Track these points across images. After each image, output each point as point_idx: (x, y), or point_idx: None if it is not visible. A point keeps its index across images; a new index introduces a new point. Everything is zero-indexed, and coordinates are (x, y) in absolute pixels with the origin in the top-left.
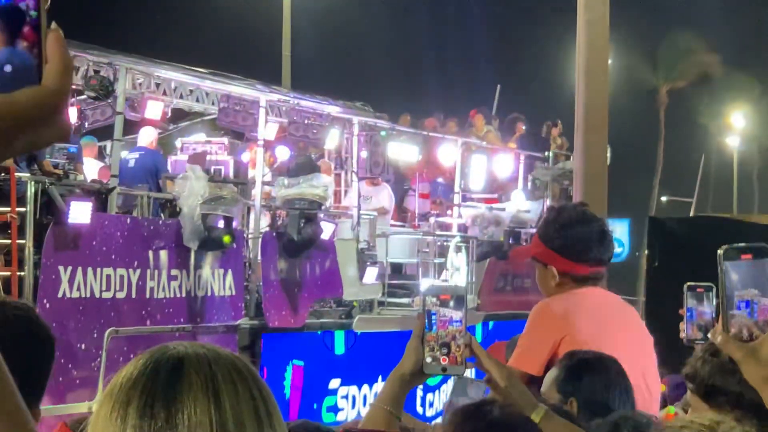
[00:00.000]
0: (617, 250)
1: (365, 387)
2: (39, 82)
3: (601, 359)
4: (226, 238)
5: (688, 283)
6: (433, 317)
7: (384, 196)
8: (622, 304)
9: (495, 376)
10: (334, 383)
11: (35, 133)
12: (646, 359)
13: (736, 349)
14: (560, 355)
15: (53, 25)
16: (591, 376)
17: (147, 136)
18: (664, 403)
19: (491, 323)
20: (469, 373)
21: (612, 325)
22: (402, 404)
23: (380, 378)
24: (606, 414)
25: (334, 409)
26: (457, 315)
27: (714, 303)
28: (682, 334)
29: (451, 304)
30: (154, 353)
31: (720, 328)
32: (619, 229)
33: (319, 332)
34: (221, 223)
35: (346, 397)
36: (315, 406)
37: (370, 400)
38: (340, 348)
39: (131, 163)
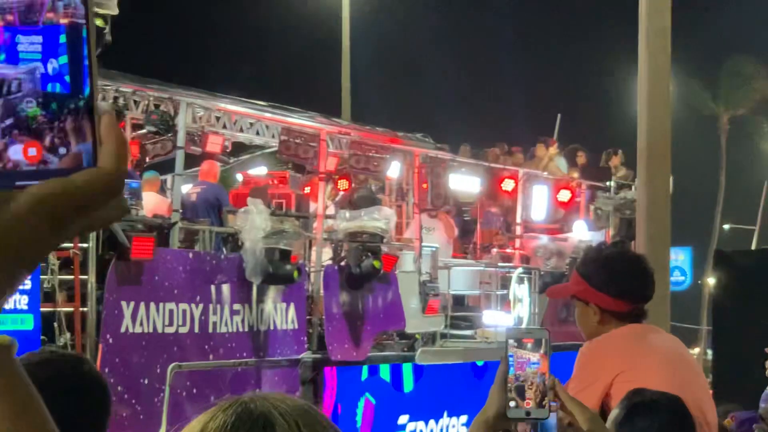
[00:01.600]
0: (679, 278)
1: (432, 422)
2: (94, 165)
3: (659, 400)
4: (295, 274)
5: None
6: (510, 359)
7: (446, 227)
8: (668, 336)
9: (579, 419)
10: (403, 419)
11: (92, 215)
12: (701, 390)
13: None
14: (614, 394)
15: (106, 106)
16: (649, 419)
17: (208, 170)
18: None
19: (554, 354)
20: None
21: (664, 358)
22: None
23: (445, 413)
24: None
25: None
26: (535, 357)
27: None
28: None
29: (529, 346)
30: (234, 407)
31: None
32: (681, 258)
33: (387, 368)
34: (284, 257)
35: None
36: None
37: None
38: (409, 385)
39: (193, 197)
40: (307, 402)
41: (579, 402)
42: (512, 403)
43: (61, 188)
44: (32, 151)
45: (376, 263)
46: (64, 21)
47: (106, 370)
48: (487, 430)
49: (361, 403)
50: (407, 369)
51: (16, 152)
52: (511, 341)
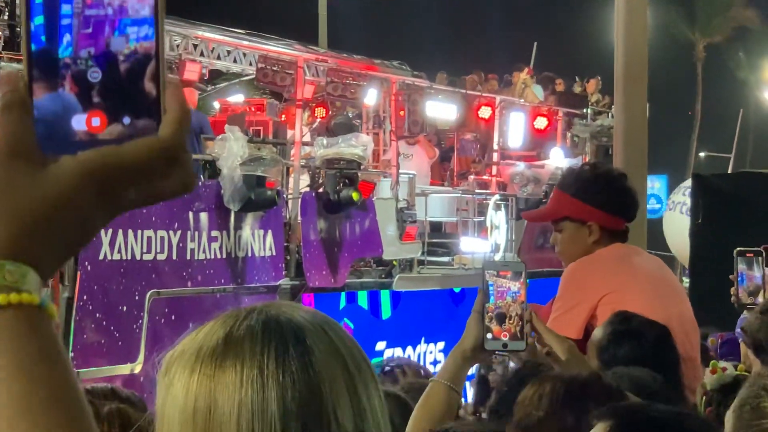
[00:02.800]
0: (655, 206)
1: (409, 349)
2: (155, 134)
3: (644, 330)
4: (275, 199)
5: (738, 249)
6: (491, 288)
7: (426, 149)
8: (651, 257)
9: (556, 350)
10: (380, 345)
11: (149, 186)
12: (685, 311)
13: None
14: (600, 316)
15: (172, 76)
16: (633, 348)
17: (188, 97)
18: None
19: (530, 281)
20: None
21: (649, 280)
22: (463, 380)
23: (423, 340)
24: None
25: None
26: (515, 286)
27: (765, 269)
28: (733, 299)
29: (509, 276)
30: (254, 315)
31: None
32: (657, 186)
33: (365, 295)
34: (261, 184)
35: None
36: None
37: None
38: (386, 312)
39: None
40: (325, 315)
41: (556, 333)
42: (489, 335)
43: (111, 157)
44: (96, 121)
45: (355, 195)
46: None
47: (85, 297)
48: (464, 361)
49: None
50: (385, 296)
51: (79, 122)
52: (489, 271)
